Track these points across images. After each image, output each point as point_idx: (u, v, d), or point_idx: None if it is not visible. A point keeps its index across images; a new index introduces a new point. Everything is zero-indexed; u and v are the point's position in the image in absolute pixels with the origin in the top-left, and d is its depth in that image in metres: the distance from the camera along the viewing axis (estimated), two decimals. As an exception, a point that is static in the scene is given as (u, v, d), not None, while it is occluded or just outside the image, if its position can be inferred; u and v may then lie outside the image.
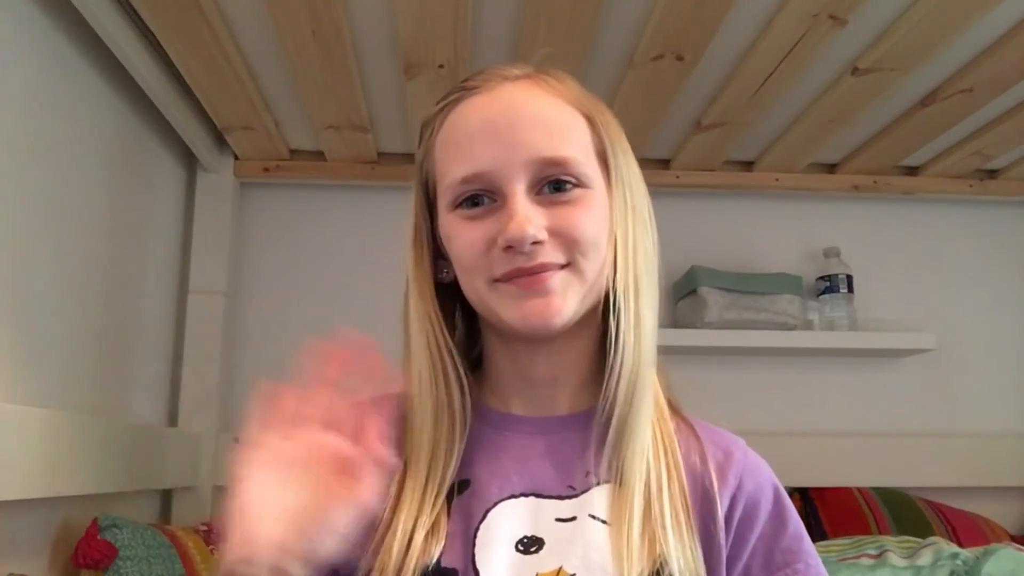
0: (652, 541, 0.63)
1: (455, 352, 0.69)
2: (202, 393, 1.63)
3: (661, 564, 0.62)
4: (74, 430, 1.12)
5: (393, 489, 0.66)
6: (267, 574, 0.52)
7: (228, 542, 0.52)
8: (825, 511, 1.68)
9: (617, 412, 0.66)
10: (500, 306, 0.66)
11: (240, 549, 0.52)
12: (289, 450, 0.54)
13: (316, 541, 0.53)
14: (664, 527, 0.63)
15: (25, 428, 1.00)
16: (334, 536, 0.54)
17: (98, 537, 1.13)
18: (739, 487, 0.69)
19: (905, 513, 1.65)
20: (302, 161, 1.79)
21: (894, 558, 1.35)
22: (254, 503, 0.53)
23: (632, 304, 0.66)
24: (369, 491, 0.54)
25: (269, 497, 0.53)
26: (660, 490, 0.65)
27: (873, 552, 1.38)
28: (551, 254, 0.64)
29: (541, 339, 0.67)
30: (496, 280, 0.65)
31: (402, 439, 0.69)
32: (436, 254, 0.72)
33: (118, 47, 1.22)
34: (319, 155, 1.77)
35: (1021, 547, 1.35)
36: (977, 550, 1.35)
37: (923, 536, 1.45)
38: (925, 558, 1.34)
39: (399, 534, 0.63)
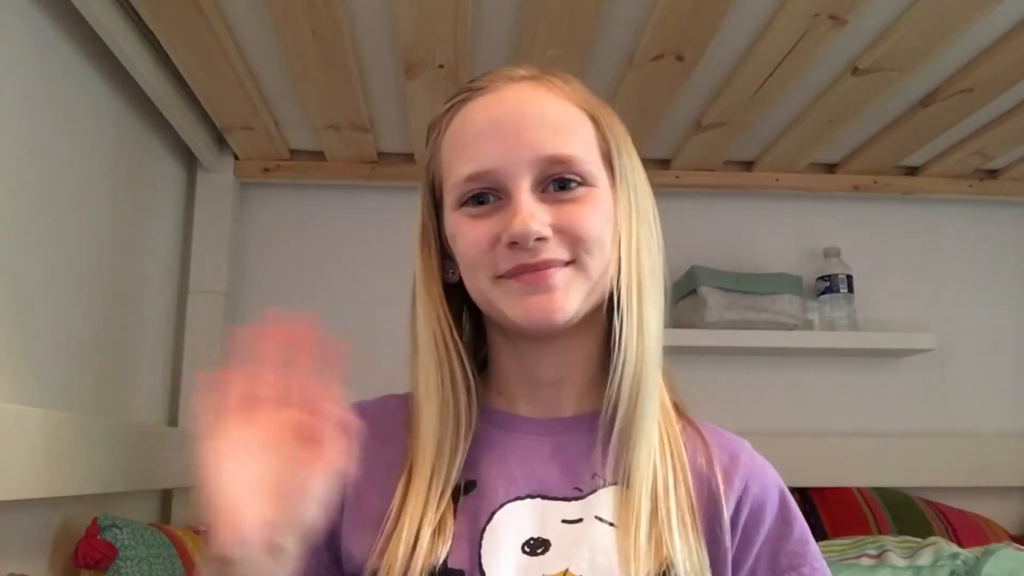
0: (658, 543, 0.63)
1: (463, 352, 0.69)
2: (202, 393, 1.62)
3: (667, 566, 0.62)
4: (74, 430, 1.12)
5: (399, 488, 0.66)
6: (262, 554, 0.51)
7: (213, 533, 0.52)
8: (825, 511, 1.68)
9: (621, 413, 0.66)
10: (504, 302, 0.66)
11: (229, 535, 0.51)
12: (250, 432, 0.54)
13: (299, 509, 0.53)
14: (671, 529, 0.63)
15: (25, 428, 1.00)
16: (314, 502, 0.54)
17: (98, 537, 1.13)
18: (745, 490, 0.69)
19: (905, 513, 1.65)
20: (302, 161, 1.78)
21: (894, 558, 1.35)
22: (230, 489, 0.52)
23: (636, 304, 0.66)
24: (337, 453, 0.54)
25: (243, 479, 0.53)
26: (667, 492, 0.65)
27: (873, 552, 1.38)
28: (555, 251, 0.64)
29: (545, 337, 0.67)
30: (500, 277, 0.65)
31: (407, 439, 0.69)
32: (443, 255, 0.72)
33: (118, 47, 1.22)
34: (319, 155, 1.77)
35: (1021, 547, 1.35)
36: (977, 550, 1.35)
37: (923, 536, 1.45)
38: (925, 558, 1.34)
39: (405, 534, 0.63)
